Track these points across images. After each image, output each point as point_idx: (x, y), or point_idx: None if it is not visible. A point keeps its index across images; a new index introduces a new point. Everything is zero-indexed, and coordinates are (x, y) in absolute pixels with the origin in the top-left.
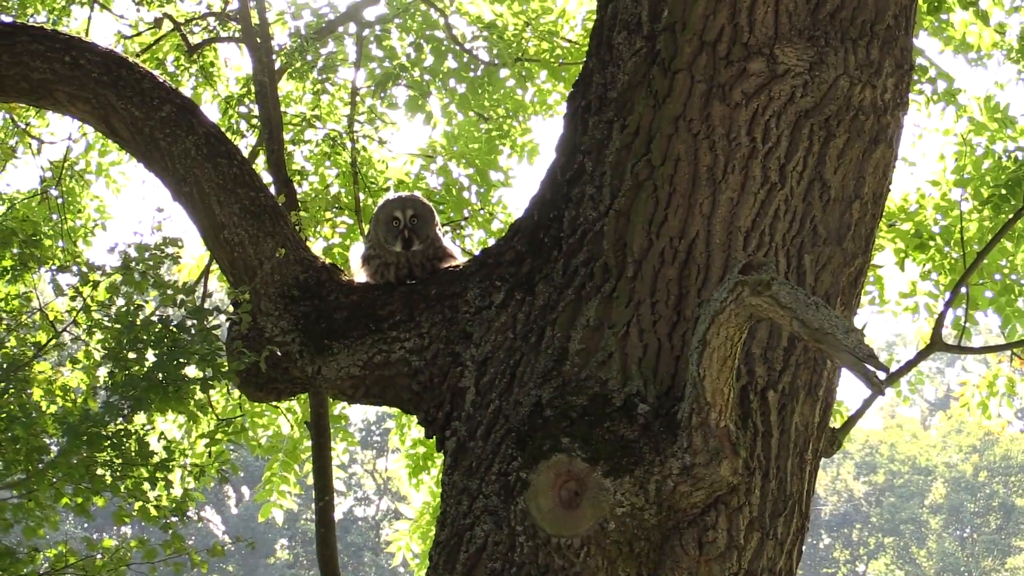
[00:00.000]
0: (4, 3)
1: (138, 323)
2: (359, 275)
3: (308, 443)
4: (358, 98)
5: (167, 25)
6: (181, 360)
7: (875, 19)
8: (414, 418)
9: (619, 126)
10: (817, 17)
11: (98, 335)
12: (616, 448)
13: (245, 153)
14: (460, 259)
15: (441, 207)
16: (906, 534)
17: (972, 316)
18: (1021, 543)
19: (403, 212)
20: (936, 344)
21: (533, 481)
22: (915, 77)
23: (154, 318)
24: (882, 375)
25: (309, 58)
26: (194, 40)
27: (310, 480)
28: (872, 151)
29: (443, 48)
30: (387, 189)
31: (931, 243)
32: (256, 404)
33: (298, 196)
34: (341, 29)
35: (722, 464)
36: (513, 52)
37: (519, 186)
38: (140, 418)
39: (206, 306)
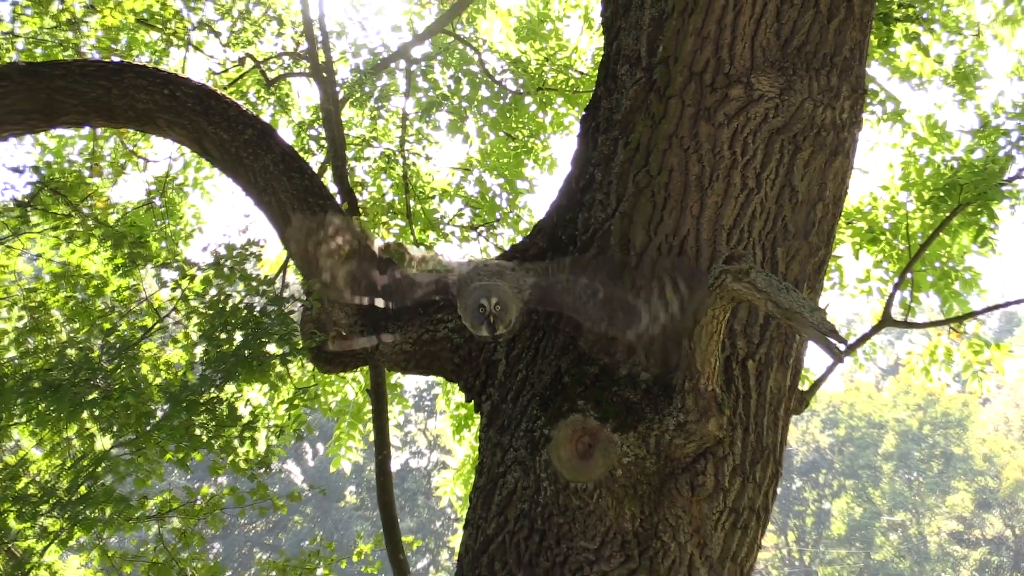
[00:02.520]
0: (113, 46)
1: (227, 309)
2: None
3: (370, 407)
4: (408, 122)
5: (249, 63)
6: (263, 340)
7: (834, 52)
8: (456, 385)
9: (623, 143)
10: (786, 51)
11: (194, 320)
12: (623, 409)
13: (315, 168)
14: None
15: (477, 210)
16: (863, 477)
17: (916, 297)
18: (958, 484)
19: (488, 300)
20: (887, 320)
21: (554, 436)
22: (868, 100)
23: (241, 305)
24: (842, 346)
25: (367, 89)
26: (272, 75)
27: (372, 437)
28: (832, 161)
29: (477, 80)
30: (433, 197)
31: (882, 237)
32: (326, 375)
33: (359, 203)
34: (393, 65)
35: (710, 421)
36: (535, 82)
37: (541, 193)
38: (230, 388)
39: (284, 295)
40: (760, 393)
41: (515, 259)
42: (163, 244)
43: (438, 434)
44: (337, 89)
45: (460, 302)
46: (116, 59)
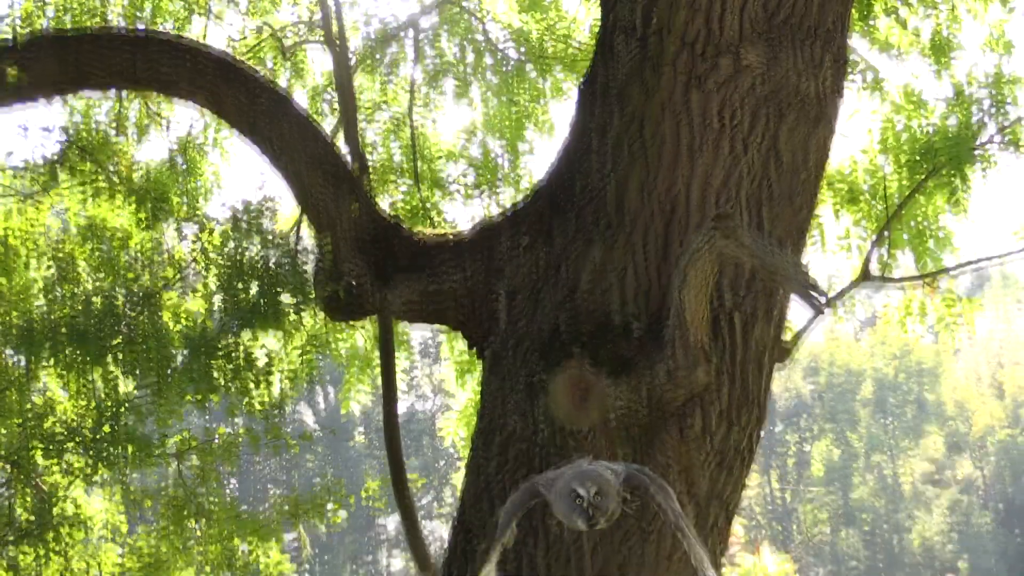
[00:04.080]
0: (138, 14)
1: (244, 262)
2: None
3: (378, 354)
4: (416, 88)
5: (266, 31)
6: (278, 290)
7: (818, 24)
8: (460, 334)
9: (618, 111)
10: (773, 23)
11: (213, 271)
12: (616, 359)
13: (328, 131)
14: None
15: (480, 171)
16: (842, 422)
17: (893, 255)
18: (929, 428)
19: (586, 489)
20: (865, 276)
21: (551, 385)
22: (849, 70)
23: (257, 258)
24: (823, 300)
25: (378, 57)
26: (288, 43)
27: (379, 382)
28: (815, 129)
29: (481, 49)
30: (440, 158)
31: (861, 198)
32: (337, 324)
33: (369, 165)
34: (402, 34)
35: (698, 370)
36: (536, 51)
37: (540, 156)
38: (246, 335)
39: (297, 249)
40: (745, 344)
41: (516, 220)
42: (184, 201)
43: (442, 379)
44: (350, 56)
45: (555, 490)
46: (141, 27)
